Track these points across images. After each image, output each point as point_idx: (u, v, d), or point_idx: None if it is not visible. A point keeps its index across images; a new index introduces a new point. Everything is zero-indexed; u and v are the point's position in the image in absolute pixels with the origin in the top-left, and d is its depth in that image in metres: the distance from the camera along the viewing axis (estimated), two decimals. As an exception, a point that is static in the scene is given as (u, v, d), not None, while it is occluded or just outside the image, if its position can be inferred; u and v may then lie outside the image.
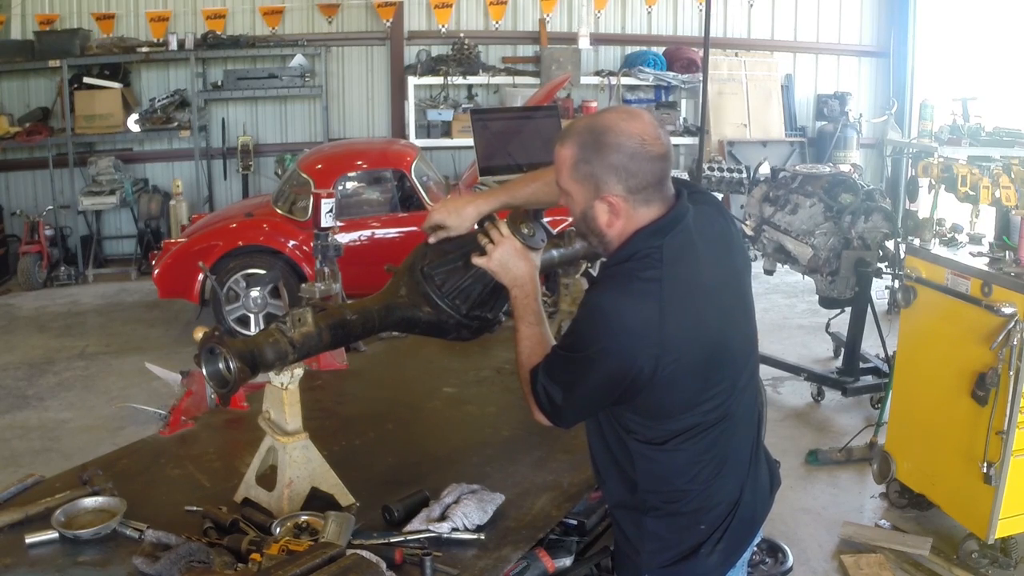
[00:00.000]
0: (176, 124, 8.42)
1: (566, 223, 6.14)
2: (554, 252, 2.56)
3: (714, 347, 1.80)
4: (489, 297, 2.12)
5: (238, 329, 6.09)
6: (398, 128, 8.85)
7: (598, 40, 9.16)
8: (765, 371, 5.14)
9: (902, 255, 4.41)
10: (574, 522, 2.23)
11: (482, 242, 2.03)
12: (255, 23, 8.67)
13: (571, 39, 8.86)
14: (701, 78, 7.20)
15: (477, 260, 2.02)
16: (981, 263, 3.57)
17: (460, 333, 2.16)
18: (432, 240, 2.13)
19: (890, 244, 5.26)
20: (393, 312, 2.10)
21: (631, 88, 9.08)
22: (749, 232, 5.60)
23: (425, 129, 8.56)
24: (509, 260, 1.99)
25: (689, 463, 1.84)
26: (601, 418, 1.90)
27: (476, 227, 2.12)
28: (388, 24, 8.72)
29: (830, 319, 5.85)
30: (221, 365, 1.84)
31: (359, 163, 6.83)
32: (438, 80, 8.52)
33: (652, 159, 1.73)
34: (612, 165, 1.72)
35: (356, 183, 6.77)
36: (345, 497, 2.06)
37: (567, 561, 2.12)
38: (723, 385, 1.83)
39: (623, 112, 1.80)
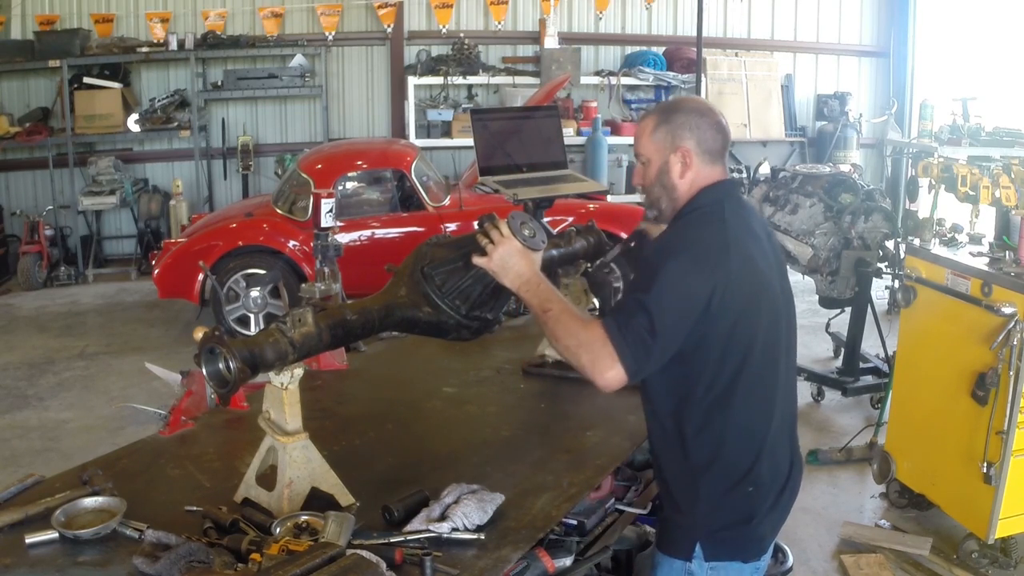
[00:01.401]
0: (176, 124, 8.43)
1: (566, 223, 6.15)
2: (554, 252, 2.56)
3: (769, 301, 1.98)
4: (489, 298, 2.12)
5: (238, 329, 6.09)
6: (398, 128, 8.85)
7: (598, 40, 9.17)
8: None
9: (902, 255, 4.41)
10: (574, 522, 2.23)
11: (482, 242, 2.03)
12: (255, 23, 8.67)
13: (570, 39, 8.86)
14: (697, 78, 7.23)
15: (478, 260, 2.02)
16: (981, 263, 3.57)
17: (460, 333, 2.16)
18: None
19: (890, 244, 5.26)
20: (393, 312, 2.10)
21: (631, 88, 9.08)
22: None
23: (425, 129, 8.56)
24: (510, 260, 2.00)
25: (742, 425, 1.94)
26: (657, 379, 1.95)
27: (476, 226, 2.13)
28: (389, 27, 8.72)
29: (830, 319, 5.85)
30: (221, 365, 1.84)
31: (359, 163, 6.83)
32: (438, 80, 8.52)
33: (716, 126, 2.02)
34: (686, 123, 2.01)
35: (356, 183, 6.77)
36: (345, 497, 2.05)
37: (567, 561, 2.12)
38: (772, 337, 1.98)
39: (692, 96, 2.16)
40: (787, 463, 2.06)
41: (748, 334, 1.92)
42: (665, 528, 2.08)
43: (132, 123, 8.23)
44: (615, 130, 8.73)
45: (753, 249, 1.97)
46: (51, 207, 8.27)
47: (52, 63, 8.04)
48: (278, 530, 1.86)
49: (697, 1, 6.36)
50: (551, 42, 8.67)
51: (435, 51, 8.79)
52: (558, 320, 1.92)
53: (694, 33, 7.29)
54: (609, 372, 1.84)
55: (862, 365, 5.40)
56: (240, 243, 6.38)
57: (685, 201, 2.02)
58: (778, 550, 3.59)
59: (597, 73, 8.94)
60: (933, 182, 4.27)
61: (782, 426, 2.04)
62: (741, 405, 1.93)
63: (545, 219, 3.98)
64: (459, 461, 2.32)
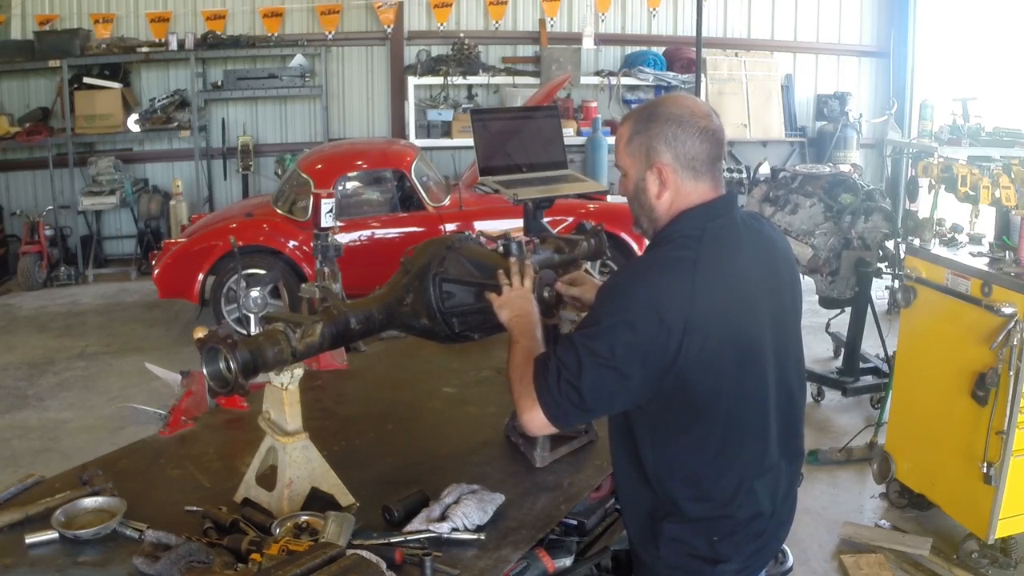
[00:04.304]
0: (176, 124, 8.43)
1: (565, 224, 6.14)
2: (555, 256, 2.56)
3: (747, 341, 1.77)
4: (483, 322, 2.15)
5: (238, 329, 6.09)
6: (398, 128, 8.85)
7: (599, 40, 9.16)
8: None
9: (902, 255, 4.41)
10: (574, 522, 2.23)
11: (502, 281, 2.04)
12: (255, 23, 8.67)
13: (572, 39, 8.85)
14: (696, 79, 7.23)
15: (491, 297, 2.04)
16: (981, 263, 3.57)
17: (444, 341, 2.21)
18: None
19: (890, 244, 5.26)
20: (394, 319, 2.12)
21: (631, 88, 9.08)
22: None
23: (425, 129, 8.55)
24: (516, 302, 2.01)
25: (709, 465, 1.79)
26: (622, 419, 1.85)
27: (502, 247, 2.17)
28: (389, 27, 8.72)
29: (830, 319, 5.85)
30: (222, 365, 1.84)
31: (359, 163, 6.83)
32: (438, 80, 8.52)
33: (701, 132, 1.76)
34: (662, 133, 1.77)
35: (356, 183, 6.76)
36: (345, 497, 2.06)
37: (567, 561, 2.12)
38: (751, 383, 1.79)
39: (679, 94, 1.89)
40: (771, 505, 1.86)
41: (715, 388, 1.73)
42: (632, 556, 1.99)
43: (132, 123, 8.23)
44: (615, 130, 8.71)
45: (731, 283, 1.75)
46: (51, 207, 8.26)
47: (52, 63, 8.04)
48: (278, 530, 1.86)
49: (696, 1, 6.36)
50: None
51: (435, 51, 8.79)
52: (516, 351, 1.89)
53: (694, 33, 7.31)
54: (527, 415, 1.75)
55: (862, 365, 5.39)
56: (240, 243, 6.38)
57: (664, 223, 1.82)
58: (778, 550, 3.59)
59: (597, 73, 8.94)
60: (933, 182, 4.27)
61: (775, 473, 1.87)
62: (711, 459, 1.77)
63: (545, 219, 3.98)
64: (459, 461, 2.33)
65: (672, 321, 1.66)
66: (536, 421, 1.76)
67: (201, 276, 6.26)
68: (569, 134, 7.96)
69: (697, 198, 1.80)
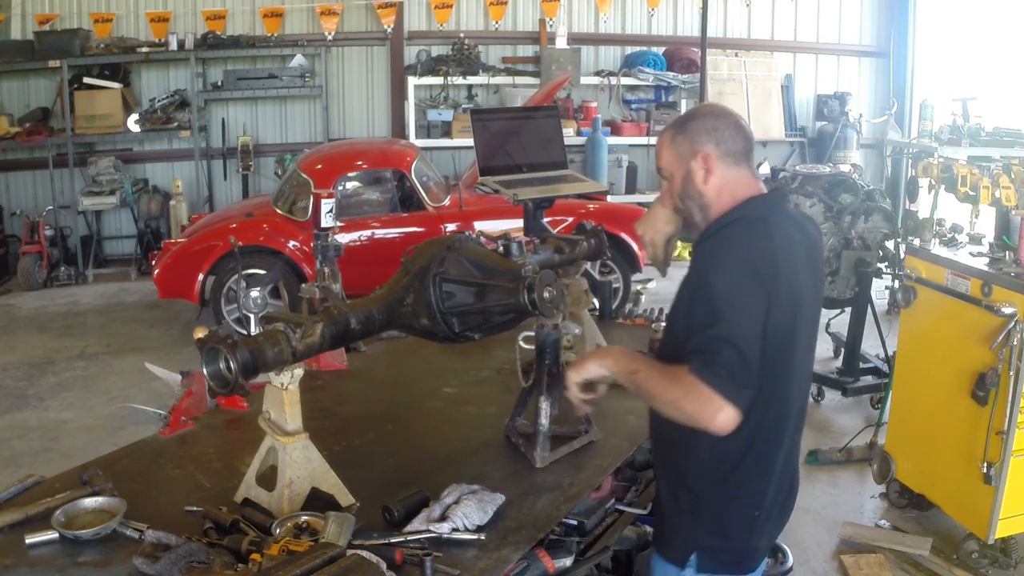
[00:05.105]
0: (176, 124, 8.43)
1: (565, 224, 6.14)
2: (555, 256, 2.57)
3: (805, 329, 1.93)
4: (483, 322, 2.14)
5: (238, 329, 6.09)
6: (398, 128, 8.86)
7: (599, 40, 9.17)
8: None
9: (902, 255, 4.41)
10: (574, 522, 2.23)
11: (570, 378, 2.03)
12: (255, 24, 8.67)
13: (572, 39, 8.86)
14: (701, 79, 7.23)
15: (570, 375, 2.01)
16: (981, 263, 3.57)
17: (444, 342, 2.20)
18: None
19: (890, 244, 5.26)
20: (394, 319, 2.12)
21: (631, 88, 9.08)
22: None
23: (425, 129, 8.55)
24: (591, 361, 1.99)
25: (758, 448, 1.90)
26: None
27: (502, 247, 2.21)
28: (389, 27, 8.72)
29: (830, 319, 5.85)
30: (222, 365, 1.84)
31: (359, 163, 6.83)
32: (438, 80, 8.52)
33: (734, 127, 1.95)
34: (701, 127, 1.95)
35: (356, 183, 6.77)
36: (345, 497, 2.06)
37: (567, 561, 2.12)
38: (800, 367, 1.97)
39: (708, 103, 2.09)
40: (789, 483, 2.05)
41: (780, 360, 1.85)
42: (663, 529, 2.06)
43: (132, 123, 8.23)
44: (615, 130, 8.73)
45: (798, 274, 1.88)
46: (51, 207, 8.27)
47: (52, 63, 8.04)
48: (278, 530, 1.86)
49: (702, 2, 6.37)
50: (561, 42, 8.70)
51: (435, 51, 8.79)
52: (648, 379, 1.87)
53: (694, 33, 7.34)
54: (720, 416, 1.75)
55: (862, 365, 5.40)
56: (240, 243, 6.38)
57: (720, 210, 1.94)
58: (778, 550, 3.59)
59: (597, 73, 8.94)
60: (933, 182, 4.28)
61: (791, 449, 2.02)
62: (757, 427, 1.87)
63: (545, 219, 3.97)
64: (459, 461, 2.33)
65: (765, 287, 1.79)
66: (729, 419, 1.76)
67: (201, 276, 6.26)
68: (569, 134, 7.96)
69: (745, 186, 1.95)
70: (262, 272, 6.13)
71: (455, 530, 1.88)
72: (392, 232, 6.49)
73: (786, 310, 1.82)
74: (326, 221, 3.25)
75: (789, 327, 1.85)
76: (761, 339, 1.77)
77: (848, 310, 5.37)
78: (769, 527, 2.02)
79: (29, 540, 1.87)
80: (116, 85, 8.34)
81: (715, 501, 1.94)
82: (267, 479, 2.05)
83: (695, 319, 1.83)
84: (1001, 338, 3.29)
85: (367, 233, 6.45)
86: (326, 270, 3.14)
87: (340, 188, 6.46)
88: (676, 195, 1.99)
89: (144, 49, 8.32)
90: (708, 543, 1.95)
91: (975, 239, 3.84)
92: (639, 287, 4.08)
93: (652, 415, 2.03)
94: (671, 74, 8.84)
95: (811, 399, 5.38)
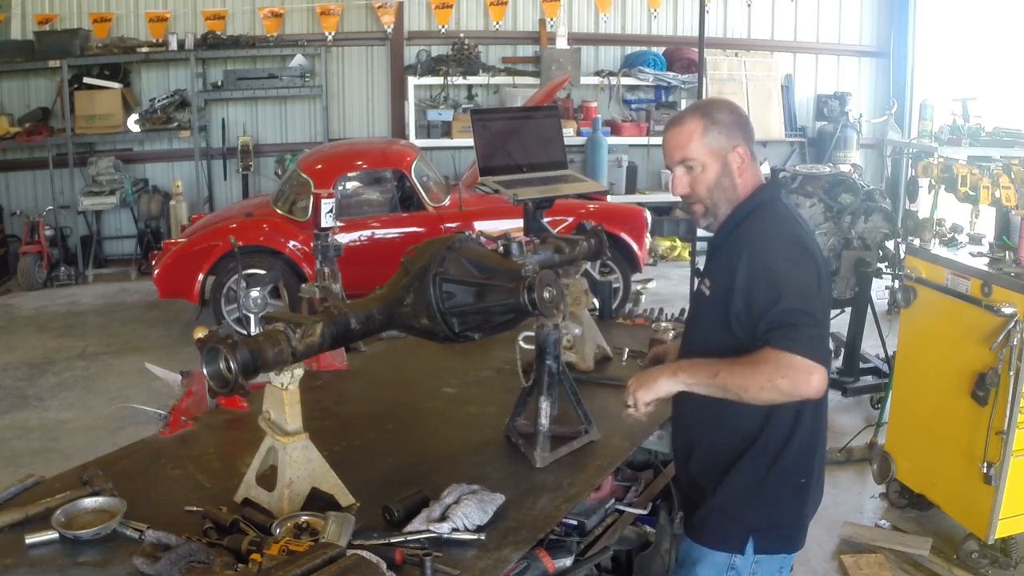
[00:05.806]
0: (176, 124, 8.43)
1: (565, 224, 6.13)
2: (556, 256, 2.57)
3: (826, 293, 2.03)
4: (483, 322, 2.14)
5: (238, 329, 6.09)
6: (398, 128, 8.86)
7: (599, 40, 9.17)
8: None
9: (902, 255, 4.41)
10: (574, 522, 2.23)
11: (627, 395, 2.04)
12: (255, 24, 8.67)
13: (572, 39, 8.85)
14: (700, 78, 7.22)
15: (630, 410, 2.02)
16: (981, 263, 3.57)
17: (444, 341, 2.21)
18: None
19: (890, 244, 5.26)
20: (394, 319, 2.12)
21: (631, 88, 9.09)
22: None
23: (425, 129, 8.56)
24: (649, 375, 2.01)
25: (809, 418, 2.00)
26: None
27: (502, 247, 2.25)
28: (389, 27, 8.72)
29: (830, 319, 5.84)
30: (222, 365, 1.84)
31: (359, 163, 6.83)
32: (438, 80, 8.53)
33: (748, 123, 2.09)
34: (732, 122, 2.05)
35: (356, 183, 6.77)
36: (345, 497, 2.05)
37: (567, 561, 2.12)
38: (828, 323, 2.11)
39: (720, 98, 2.25)
40: (823, 449, 2.15)
41: (825, 323, 2.04)
42: (708, 521, 2.06)
43: (132, 123, 8.23)
44: (615, 130, 8.74)
45: (815, 244, 2.05)
46: (51, 207, 8.27)
47: (52, 63, 8.05)
48: (278, 530, 1.86)
49: (699, 2, 6.37)
50: (561, 42, 8.71)
51: (435, 51, 8.80)
52: (732, 374, 1.88)
53: (694, 33, 7.30)
54: (814, 379, 1.82)
55: (862, 365, 5.39)
56: (240, 243, 6.38)
57: (741, 199, 2.05)
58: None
59: (597, 73, 8.94)
60: (933, 182, 4.28)
61: (824, 424, 2.13)
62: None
63: (545, 219, 3.97)
64: (459, 461, 2.33)
65: (811, 247, 1.98)
66: (821, 381, 1.84)
67: (201, 276, 6.26)
68: (569, 134, 7.97)
69: (757, 174, 2.09)
70: (262, 272, 6.14)
71: (455, 530, 1.88)
72: (392, 232, 6.49)
73: (824, 276, 1.98)
74: (326, 221, 3.25)
75: (828, 291, 2.00)
76: (820, 301, 1.91)
77: (848, 310, 5.37)
78: (814, 493, 2.09)
79: (29, 540, 1.87)
80: (116, 85, 8.34)
81: (765, 479, 1.99)
82: (267, 479, 2.04)
83: (754, 306, 1.90)
84: (1001, 338, 3.29)
85: (367, 233, 6.45)
86: (326, 270, 3.14)
87: (340, 188, 6.46)
88: (707, 186, 2.04)
89: (144, 49, 8.33)
90: (761, 524, 2.00)
91: (975, 239, 3.84)
92: (639, 287, 4.09)
93: (678, 414, 2.10)
94: (671, 74, 8.85)
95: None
